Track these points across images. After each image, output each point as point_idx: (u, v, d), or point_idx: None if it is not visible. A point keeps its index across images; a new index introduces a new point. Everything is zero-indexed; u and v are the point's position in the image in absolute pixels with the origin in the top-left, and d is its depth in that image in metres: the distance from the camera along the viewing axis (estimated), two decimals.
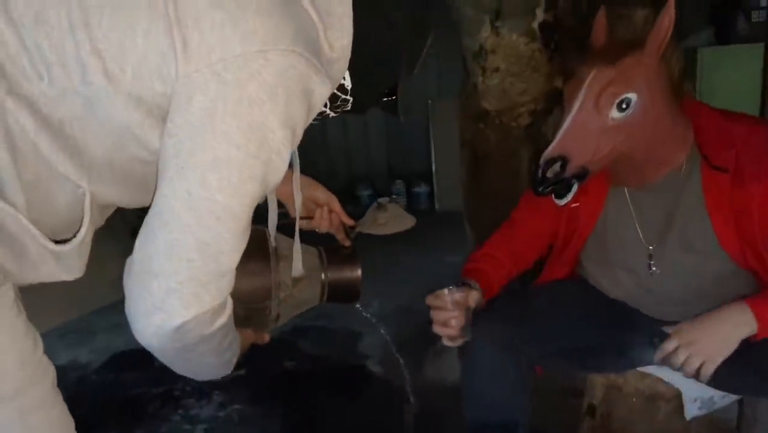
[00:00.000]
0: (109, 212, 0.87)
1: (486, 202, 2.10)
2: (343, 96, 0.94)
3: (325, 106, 0.94)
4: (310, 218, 1.15)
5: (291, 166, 1.01)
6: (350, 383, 2.36)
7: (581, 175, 1.17)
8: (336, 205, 1.16)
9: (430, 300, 1.27)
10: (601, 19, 1.25)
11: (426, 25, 0.98)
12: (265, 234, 1.03)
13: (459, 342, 1.26)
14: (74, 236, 0.78)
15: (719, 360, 1.13)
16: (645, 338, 1.36)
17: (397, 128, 5.28)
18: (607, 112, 1.14)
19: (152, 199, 0.79)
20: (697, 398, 1.34)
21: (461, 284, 1.30)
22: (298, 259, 1.04)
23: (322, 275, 1.09)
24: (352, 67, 0.88)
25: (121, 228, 1.33)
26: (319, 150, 5.45)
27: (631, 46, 1.16)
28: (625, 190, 1.32)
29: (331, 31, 0.81)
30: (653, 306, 1.35)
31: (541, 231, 1.45)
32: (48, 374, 0.85)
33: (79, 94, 0.72)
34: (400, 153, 5.32)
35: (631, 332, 1.37)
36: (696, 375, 1.16)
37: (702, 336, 1.14)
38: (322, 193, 1.13)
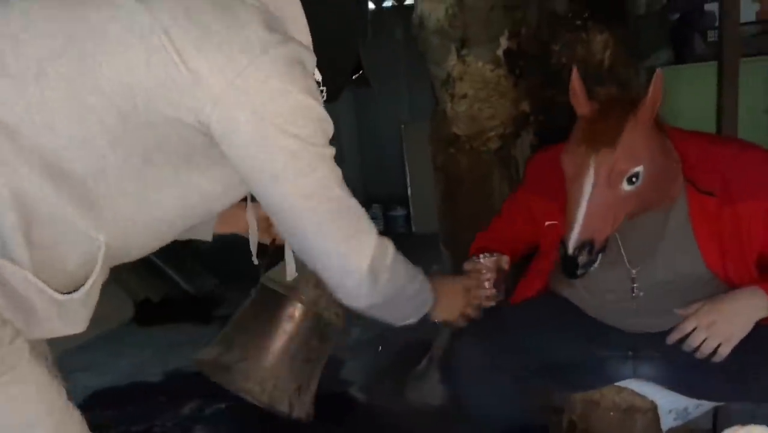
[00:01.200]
0: (114, 263, 0.89)
1: (461, 225, 2.13)
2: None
3: None
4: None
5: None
6: (333, 411, 2.35)
7: (605, 248, 1.20)
8: None
9: (466, 265, 1.36)
10: (575, 80, 1.24)
11: None
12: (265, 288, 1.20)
13: (494, 301, 1.35)
14: (83, 285, 0.81)
15: (736, 342, 1.16)
16: (619, 351, 1.40)
17: (373, 153, 5.33)
18: (618, 189, 1.16)
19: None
20: (672, 409, 1.38)
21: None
22: (291, 262, 1.16)
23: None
24: (318, 62, 0.92)
25: None
26: None
27: (624, 117, 1.16)
28: None
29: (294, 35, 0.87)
30: (632, 321, 1.38)
31: (514, 237, 1.50)
32: (74, 418, 0.86)
33: (96, 139, 0.76)
34: (376, 177, 5.36)
35: (607, 347, 1.40)
36: (710, 355, 1.18)
37: (720, 318, 1.16)
38: None
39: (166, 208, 0.84)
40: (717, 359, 1.17)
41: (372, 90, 1.08)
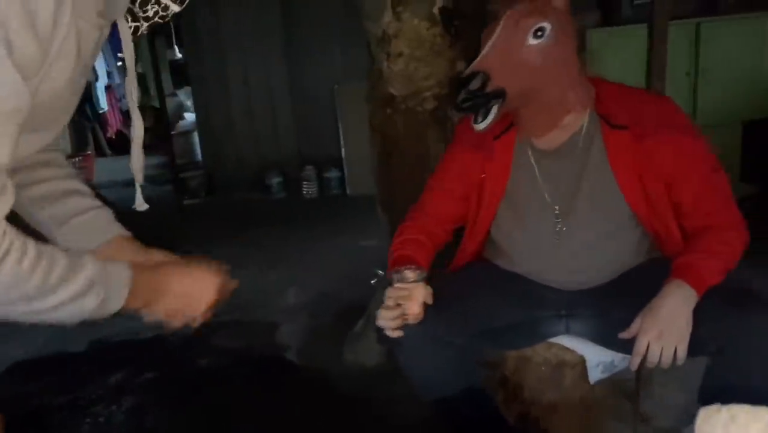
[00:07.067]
0: None
1: (397, 185, 2.12)
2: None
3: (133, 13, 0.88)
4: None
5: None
6: (269, 376, 2.32)
7: (499, 96, 1.23)
8: None
9: (395, 280, 1.29)
10: None
11: None
12: None
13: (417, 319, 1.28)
14: None
15: (688, 337, 1.18)
16: (554, 311, 1.43)
17: (306, 114, 5.21)
18: (524, 37, 1.23)
19: None
20: (600, 363, 1.43)
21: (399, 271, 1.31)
22: None
23: None
24: None
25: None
26: (226, 139, 5.29)
27: None
28: (530, 154, 1.39)
29: None
30: (560, 274, 1.41)
31: (450, 211, 1.49)
32: None
33: None
34: (310, 139, 5.26)
35: (541, 307, 1.43)
36: (673, 360, 1.19)
37: (665, 324, 1.18)
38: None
39: None
40: (680, 361, 1.19)
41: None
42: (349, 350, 2.32)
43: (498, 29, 1.25)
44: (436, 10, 1.92)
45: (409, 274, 1.29)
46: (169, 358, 2.51)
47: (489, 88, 1.22)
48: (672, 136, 1.28)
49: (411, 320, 1.27)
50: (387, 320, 1.26)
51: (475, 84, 1.21)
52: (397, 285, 1.29)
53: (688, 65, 3.22)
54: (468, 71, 1.23)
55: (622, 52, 2.94)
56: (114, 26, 0.88)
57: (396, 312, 1.26)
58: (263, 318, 2.80)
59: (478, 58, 1.24)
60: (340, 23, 4.66)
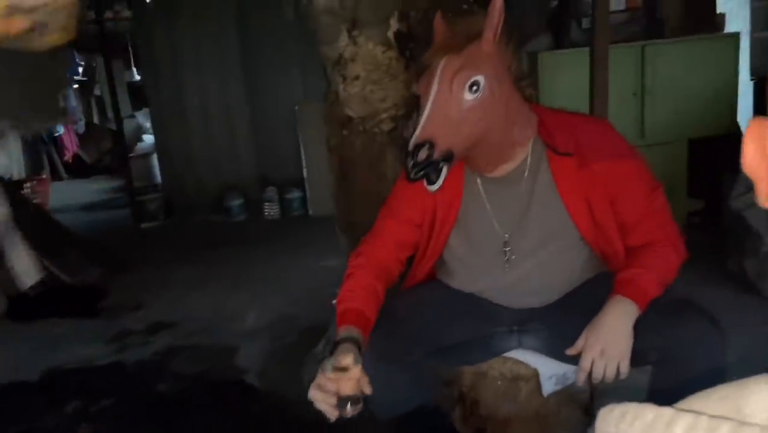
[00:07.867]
0: None
1: (355, 207, 2.14)
2: None
3: None
4: None
5: None
6: (228, 400, 2.30)
7: (448, 158, 1.25)
8: None
9: (329, 374, 1.18)
10: (438, 21, 1.37)
11: None
12: None
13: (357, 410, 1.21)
14: None
15: (629, 353, 1.22)
16: (506, 327, 1.46)
17: (267, 134, 5.21)
18: (460, 96, 1.24)
19: None
20: (553, 375, 1.47)
21: (337, 342, 1.24)
22: None
23: None
24: None
25: None
26: (185, 161, 5.24)
27: (471, 38, 1.28)
28: (479, 183, 1.41)
29: None
30: (511, 297, 1.44)
31: (404, 240, 1.48)
32: None
33: None
34: (271, 159, 5.25)
35: (493, 323, 1.46)
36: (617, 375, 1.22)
37: (607, 341, 1.22)
38: None
39: None
40: (623, 376, 1.23)
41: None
42: (310, 371, 2.32)
43: (433, 89, 1.25)
44: (391, 34, 1.96)
45: (345, 361, 1.18)
46: (126, 384, 2.47)
47: (436, 155, 1.23)
48: (612, 160, 1.34)
49: (349, 412, 1.18)
50: (324, 405, 1.19)
51: (422, 155, 1.22)
52: (330, 375, 1.18)
53: (635, 86, 3.35)
54: (413, 143, 1.24)
55: (570, 74, 3.05)
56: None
57: (334, 399, 1.18)
58: (224, 341, 2.77)
59: (420, 127, 1.24)
60: (300, 43, 4.70)
